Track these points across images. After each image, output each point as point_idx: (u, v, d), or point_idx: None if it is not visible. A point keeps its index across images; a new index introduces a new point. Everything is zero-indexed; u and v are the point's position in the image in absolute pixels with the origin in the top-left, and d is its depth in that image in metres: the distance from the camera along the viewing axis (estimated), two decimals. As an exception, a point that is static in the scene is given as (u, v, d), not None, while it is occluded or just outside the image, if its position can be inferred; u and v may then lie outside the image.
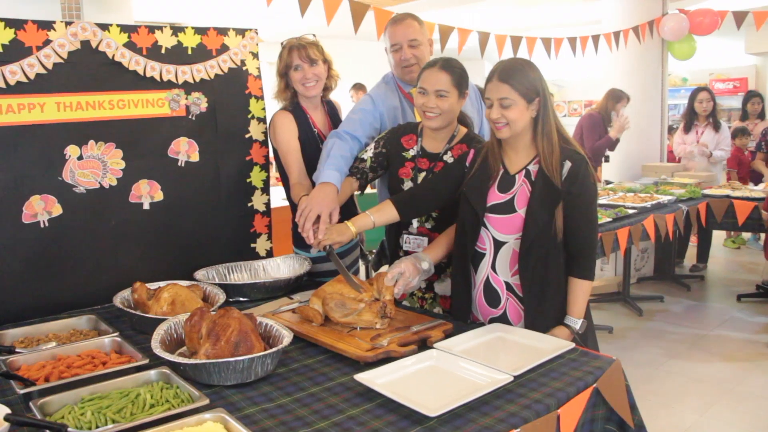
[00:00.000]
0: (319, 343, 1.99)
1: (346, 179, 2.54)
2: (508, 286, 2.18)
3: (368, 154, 2.57)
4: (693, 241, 6.77)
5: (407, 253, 2.49)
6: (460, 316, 2.28)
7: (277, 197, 3.71)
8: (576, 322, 2.11)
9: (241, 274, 2.70)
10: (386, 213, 2.34)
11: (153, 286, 2.36)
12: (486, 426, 1.48)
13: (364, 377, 1.68)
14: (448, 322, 2.11)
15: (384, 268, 2.48)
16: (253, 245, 2.96)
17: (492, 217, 2.18)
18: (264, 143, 2.95)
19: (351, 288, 2.12)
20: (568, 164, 2.08)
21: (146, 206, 2.64)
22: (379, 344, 1.90)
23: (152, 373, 1.66)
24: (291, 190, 2.71)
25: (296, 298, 2.46)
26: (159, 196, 2.67)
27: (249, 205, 2.94)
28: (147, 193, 2.64)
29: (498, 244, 2.17)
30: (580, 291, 2.13)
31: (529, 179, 2.13)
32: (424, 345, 1.94)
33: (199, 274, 2.58)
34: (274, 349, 1.75)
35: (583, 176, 2.09)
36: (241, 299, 2.48)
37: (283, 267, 2.76)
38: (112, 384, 1.61)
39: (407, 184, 2.49)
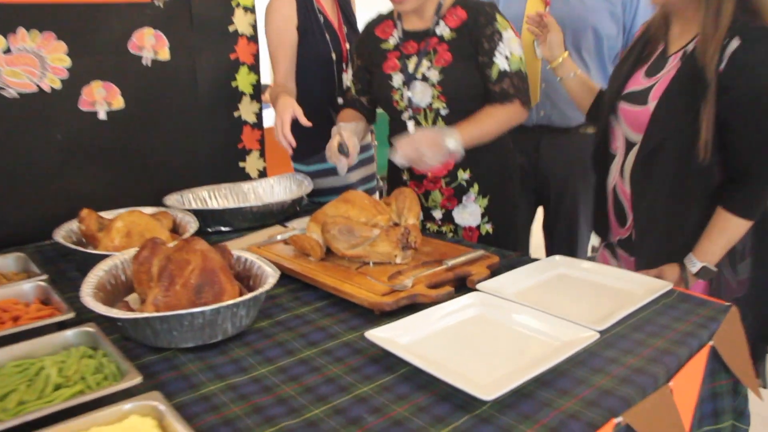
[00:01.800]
0: (318, 284, 1.45)
1: (348, 111, 2.12)
2: None
3: (348, 78, 2.13)
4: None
5: None
6: (602, 233, 1.81)
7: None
8: (695, 264, 1.53)
9: (225, 198, 2.17)
10: None
11: (110, 215, 1.84)
12: (570, 414, 0.95)
13: (380, 335, 1.15)
14: (492, 254, 1.58)
15: None
16: (242, 164, 2.42)
17: (625, 109, 1.64)
18: (253, 38, 2.38)
19: (360, 210, 1.57)
20: (734, 44, 1.41)
21: (102, 116, 2.09)
22: (401, 285, 1.36)
23: (70, 334, 1.14)
24: (268, 91, 2.19)
25: (292, 225, 1.93)
26: (119, 103, 2.11)
27: (235, 114, 2.38)
28: (102, 98, 2.09)
29: (629, 146, 1.64)
30: (721, 227, 1.51)
31: (683, 62, 1.54)
32: (462, 286, 1.41)
33: (171, 199, 2.05)
34: (251, 295, 1.22)
35: (757, 62, 1.42)
36: (223, 229, 1.96)
37: (277, 189, 2.23)
38: (9, 352, 1.09)
39: (397, 78, 1.93)
